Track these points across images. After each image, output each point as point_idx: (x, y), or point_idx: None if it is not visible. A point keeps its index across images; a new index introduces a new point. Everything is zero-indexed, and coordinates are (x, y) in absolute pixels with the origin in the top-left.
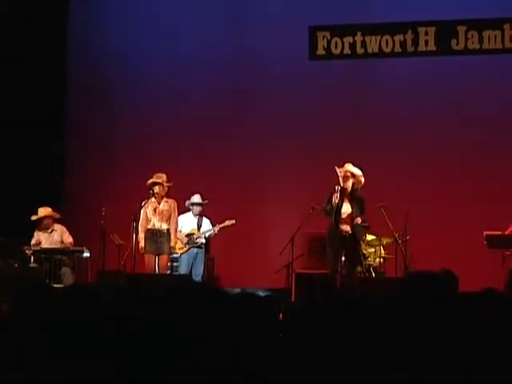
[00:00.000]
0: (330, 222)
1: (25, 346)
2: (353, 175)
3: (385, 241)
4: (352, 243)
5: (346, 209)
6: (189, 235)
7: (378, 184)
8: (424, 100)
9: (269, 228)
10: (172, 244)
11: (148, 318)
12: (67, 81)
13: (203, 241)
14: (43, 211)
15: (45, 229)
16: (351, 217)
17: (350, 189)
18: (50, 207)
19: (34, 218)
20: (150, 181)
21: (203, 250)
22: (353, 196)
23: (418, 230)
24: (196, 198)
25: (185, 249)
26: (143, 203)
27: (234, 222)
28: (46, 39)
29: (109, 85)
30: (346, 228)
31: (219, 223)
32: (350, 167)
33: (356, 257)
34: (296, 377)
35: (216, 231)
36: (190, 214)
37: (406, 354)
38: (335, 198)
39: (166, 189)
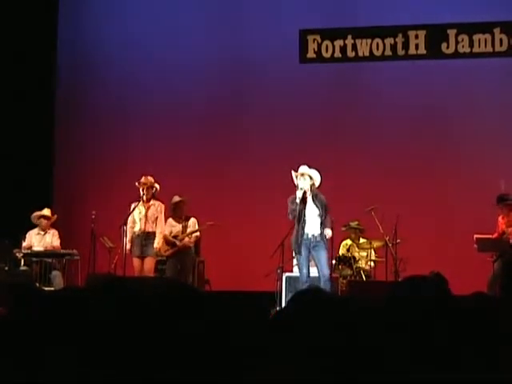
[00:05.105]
0: (295, 226)
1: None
2: (310, 177)
3: (375, 244)
4: (320, 246)
5: (311, 211)
6: (175, 237)
7: (368, 187)
8: (414, 103)
9: (259, 231)
10: (156, 246)
11: (137, 319)
12: (56, 86)
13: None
14: (47, 211)
15: (42, 229)
16: (317, 218)
17: (309, 191)
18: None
19: (38, 213)
20: (137, 183)
21: (192, 252)
22: (314, 197)
23: (409, 233)
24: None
25: (171, 251)
26: (132, 206)
27: (212, 223)
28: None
29: (98, 89)
30: (313, 231)
31: (199, 226)
32: (306, 169)
33: (325, 259)
34: (286, 378)
35: (198, 233)
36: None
37: (395, 355)
38: (298, 202)
39: (153, 190)
